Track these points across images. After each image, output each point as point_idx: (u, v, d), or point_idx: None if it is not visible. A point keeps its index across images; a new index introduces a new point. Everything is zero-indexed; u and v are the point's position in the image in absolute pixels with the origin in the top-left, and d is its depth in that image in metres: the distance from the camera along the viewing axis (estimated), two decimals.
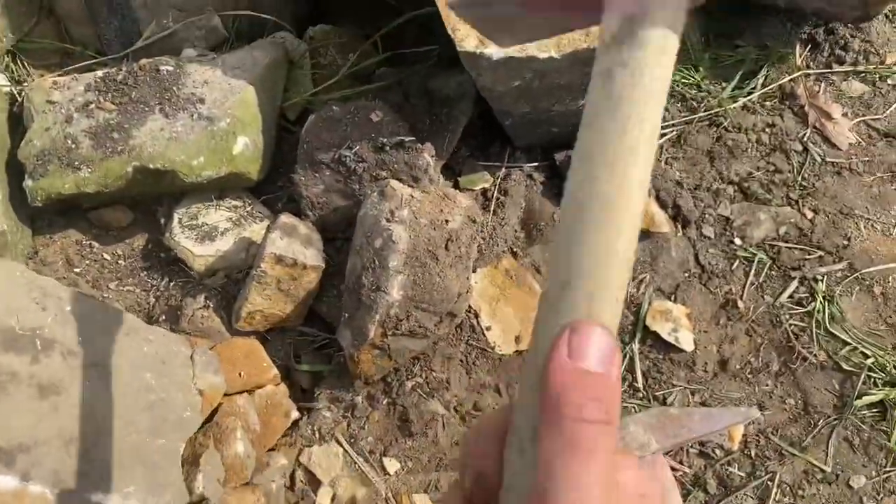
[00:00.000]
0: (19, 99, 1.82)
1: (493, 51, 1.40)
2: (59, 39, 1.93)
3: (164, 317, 1.69)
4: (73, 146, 1.63)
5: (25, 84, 1.83)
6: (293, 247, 1.59)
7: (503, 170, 1.97)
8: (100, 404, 1.37)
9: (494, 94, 1.57)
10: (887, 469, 1.68)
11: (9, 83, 1.85)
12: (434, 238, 1.57)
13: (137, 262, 1.80)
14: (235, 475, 1.47)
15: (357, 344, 1.59)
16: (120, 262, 1.79)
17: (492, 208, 1.89)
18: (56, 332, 1.41)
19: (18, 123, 1.79)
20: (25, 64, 1.90)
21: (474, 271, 1.80)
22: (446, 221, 1.59)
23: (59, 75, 1.79)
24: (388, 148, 1.63)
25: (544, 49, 1.41)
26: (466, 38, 1.39)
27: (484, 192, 1.93)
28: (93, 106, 1.68)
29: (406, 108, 1.80)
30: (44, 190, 1.63)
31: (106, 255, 1.79)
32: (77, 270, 1.76)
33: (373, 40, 1.98)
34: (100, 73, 1.75)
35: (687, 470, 1.68)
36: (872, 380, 1.77)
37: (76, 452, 1.28)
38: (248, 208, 1.78)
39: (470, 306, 1.75)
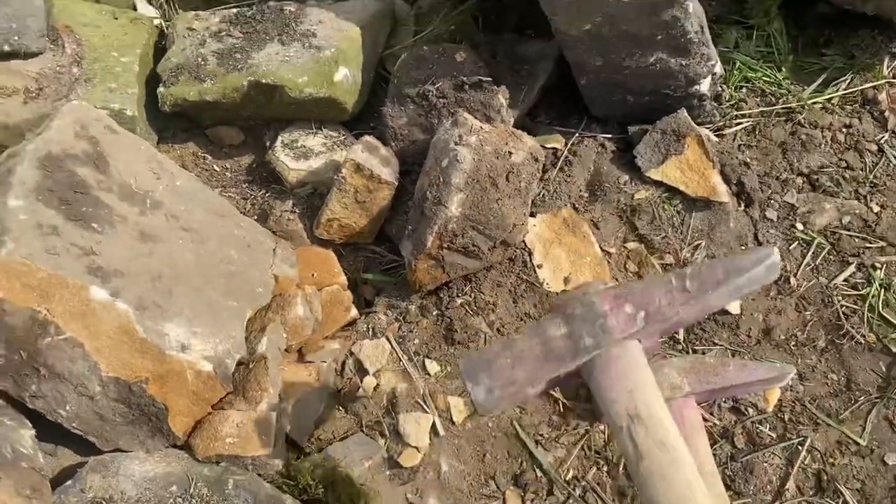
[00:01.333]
0: (167, 32, 2.14)
1: None
2: None
3: (255, 217, 1.92)
4: (203, 63, 1.92)
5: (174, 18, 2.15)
6: (372, 161, 1.79)
7: (577, 136, 2.11)
8: (187, 260, 1.59)
9: (568, 41, 1.73)
10: None
11: (160, 18, 2.18)
12: (496, 166, 1.73)
13: (241, 174, 2.05)
14: (296, 334, 1.65)
15: (416, 253, 1.75)
16: (227, 173, 2.05)
17: (559, 165, 2.03)
18: (164, 197, 1.66)
19: (163, 51, 2.11)
20: (176, 5, 2.23)
21: (534, 216, 1.94)
22: (510, 154, 1.74)
23: (202, 10, 2.10)
24: (466, 87, 1.82)
25: None
26: None
27: (555, 151, 2.08)
28: (224, 34, 1.97)
29: (492, 64, 1.99)
30: (172, 96, 1.91)
31: (216, 167, 2.06)
32: (195, 177, 2.02)
33: (467, 11, 2.19)
34: (234, 9, 2.04)
35: (717, 422, 1.72)
36: None
37: (160, 289, 1.50)
38: (342, 138, 2.00)
39: (525, 244, 1.89)
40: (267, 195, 1.97)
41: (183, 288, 1.54)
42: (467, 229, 1.73)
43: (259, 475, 1.49)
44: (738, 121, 2.18)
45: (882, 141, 2.12)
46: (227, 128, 2.06)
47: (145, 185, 1.65)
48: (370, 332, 1.78)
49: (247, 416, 1.52)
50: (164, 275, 1.53)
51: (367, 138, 1.84)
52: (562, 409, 1.70)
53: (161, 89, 1.93)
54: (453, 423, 1.67)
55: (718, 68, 1.96)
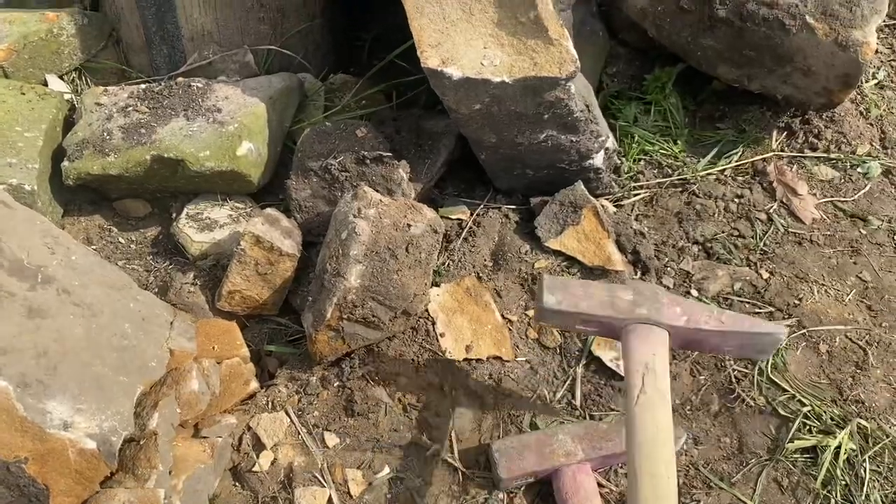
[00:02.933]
0: (77, 106, 2.16)
1: (453, 71, 1.65)
2: (119, 62, 2.30)
3: (156, 290, 1.92)
4: (108, 137, 1.94)
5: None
6: (273, 233, 1.81)
7: (482, 207, 2.18)
8: (76, 335, 1.57)
9: (462, 119, 1.81)
10: None
11: (70, 92, 2.20)
12: (395, 238, 1.77)
13: (146, 247, 2.05)
14: (191, 409, 1.63)
15: (316, 325, 1.76)
16: (132, 245, 2.05)
17: (463, 235, 2.09)
18: (58, 273, 1.65)
19: (72, 125, 2.12)
20: (88, 80, 2.26)
21: (438, 286, 1.98)
22: (409, 226, 1.79)
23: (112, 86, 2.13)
24: (368, 161, 1.87)
25: (497, 74, 1.65)
26: (430, 57, 1.65)
27: (460, 222, 2.14)
28: (131, 108, 1.99)
29: (395, 139, 2.06)
30: (76, 170, 1.92)
31: (121, 239, 2.06)
32: (94, 247, 2.02)
33: (381, 89, 2.27)
34: (143, 85, 2.08)
35: (613, 488, 1.74)
36: (807, 427, 1.82)
37: (45, 365, 1.48)
38: (248, 210, 2.03)
39: (428, 313, 1.92)
40: (170, 267, 1.97)
41: (70, 364, 1.52)
42: (367, 300, 1.75)
43: None
44: (637, 192, 2.28)
45: (771, 210, 2.24)
46: (133, 200, 2.06)
47: (38, 260, 1.64)
48: (269, 406, 1.77)
49: (134, 495, 1.49)
50: (50, 351, 1.51)
51: (269, 211, 1.87)
52: (461, 478, 1.71)
53: (65, 163, 1.94)
54: (351, 496, 1.66)
55: (611, 143, 2.06)
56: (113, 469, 1.49)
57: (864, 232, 2.22)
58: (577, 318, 1.57)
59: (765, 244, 2.17)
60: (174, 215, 2.04)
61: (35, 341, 1.50)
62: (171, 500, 1.54)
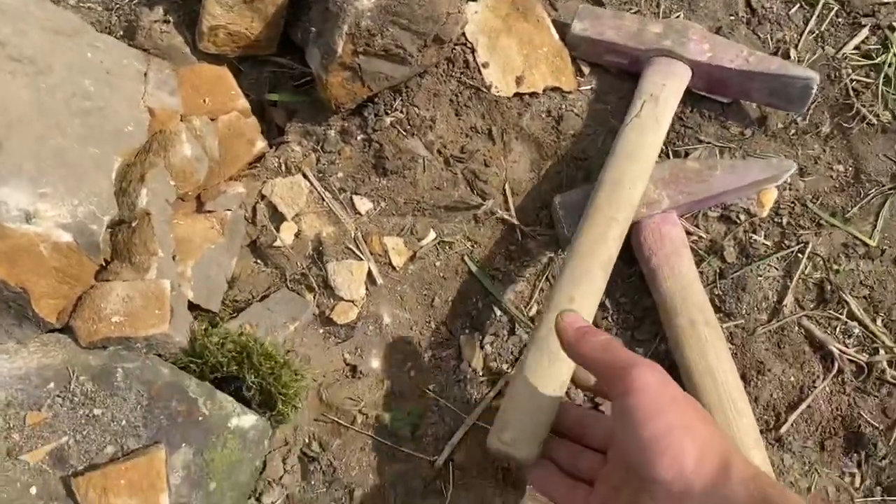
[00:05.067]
0: None
1: None
2: None
3: (120, 33, 1.51)
4: None
5: None
6: None
7: None
8: (22, 99, 1.22)
9: None
10: None
11: None
12: None
13: None
14: (187, 180, 1.33)
15: (325, 63, 1.38)
16: None
17: None
18: None
19: None
20: None
21: (475, 0, 1.55)
22: None
23: None
24: None
25: None
26: None
27: None
28: None
29: None
30: None
31: None
32: None
33: None
34: None
35: (703, 235, 1.45)
36: None
37: None
38: None
39: (466, 39, 1.51)
40: (134, 2, 1.54)
41: (20, 138, 1.18)
42: (387, 25, 1.34)
43: (159, 356, 1.23)
44: None
45: None
46: None
47: None
48: (283, 168, 1.45)
49: (134, 288, 1.23)
50: None
51: None
52: (519, 238, 1.43)
53: None
54: (393, 268, 1.40)
55: None
56: (100, 262, 1.22)
57: None
58: (604, 47, 1.51)
59: None
60: None
61: None
62: (179, 289, 1.29)
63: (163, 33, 1.49)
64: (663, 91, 1.41)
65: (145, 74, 1.42)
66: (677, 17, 1.60)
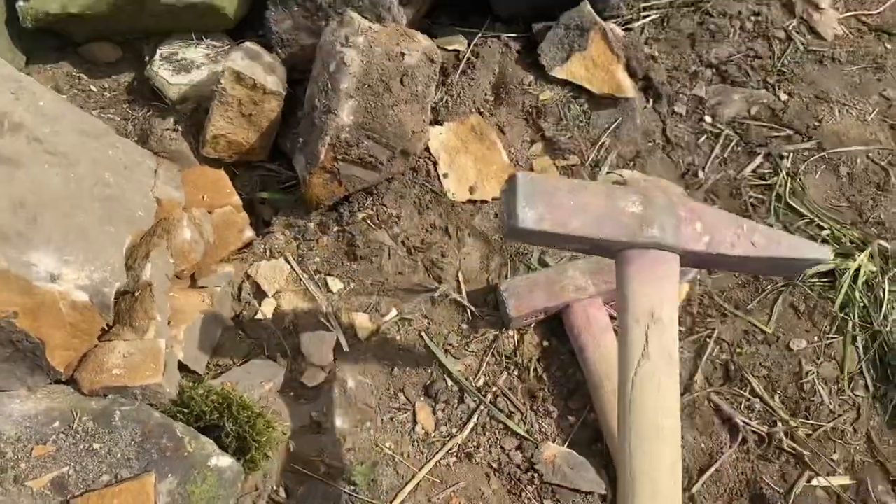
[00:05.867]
0: None
1: None
2: None
3: (135, 138, 1.79)
4: None
5: None
6: (254, 69, 1.67)
7: (480, 36, 2.01)
8: (54, 185, 1.47)
9: None
10: (830, 335, 1.67)
11: None
12: (388, 69, 1.62)
13: (121, 94, 1.90)
14: (185, 259, 1.56)
15: (309, 167, 1.65)
16: (105, 93, 1.90)
17: (461, 68, 1.94)
18: (25, 119, 1.51)
19: None
20: None
21: (440, 123, 1.85)
22: (402, 55, 1.64)
23: None
24: None
25: None
26: None
27: (457, 54, 1.98)
28: None
29: None
30: (34, 9, 1.75)
31: (93, 87, 1.90)
32: (64, 97, 1.87)
33: None
34: None
35: None
36: None
37: (23, 217, 1.38)
38: (226, 48, 1.86)
39: (430, 154, 1.80)
40: (148, 114, 1.83)
41: (50, 215, 1.42)
42: (362, 138, 1.63)
43: (150, 405, 1.41)
44: (647, 13, 2.11)
45: (790, 27, 2.08)
46: (101, 44, 1.89)
47: (2, 107, 1.50)
48: (267, 253, 1.70)
49: (134, 346, 1.44)
50: (27, 202, 1.41)
51: (248, 45, 1.71)
52: (470, 317, 1.66)
53: (20, 3, 1.76)
54: (359, 339, 1.62)
55: None
56: (109, 321, 1.43)
57: (888, 47, 2.08)
58: (565, 239, 1.10)
59: (783, 64, 2.02)
60: (147, 58, 1.88)
61: (9, 192, 1.39)
62: (172, 349, 1.49)
63: (171, 140, 1.77)
64: (665, 307, 1.09)
65: (155, 171, 1.68)
66: (604, 143, 1.91)
